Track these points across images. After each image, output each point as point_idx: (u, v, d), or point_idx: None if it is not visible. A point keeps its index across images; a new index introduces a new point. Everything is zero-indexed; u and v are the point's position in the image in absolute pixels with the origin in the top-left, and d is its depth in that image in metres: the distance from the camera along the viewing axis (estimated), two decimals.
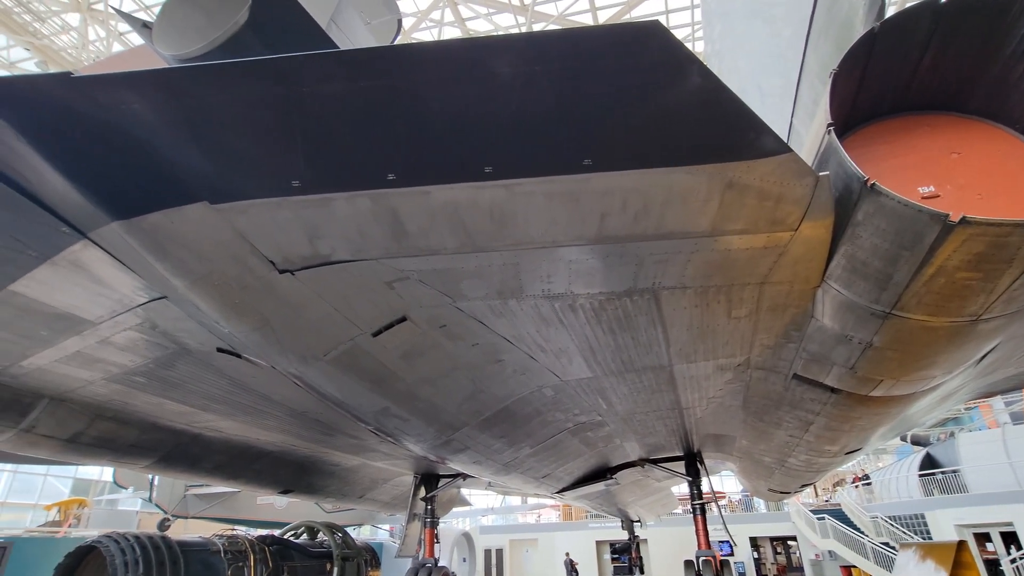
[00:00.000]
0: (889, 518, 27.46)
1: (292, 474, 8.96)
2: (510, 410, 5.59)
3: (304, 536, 11.51)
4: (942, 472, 28.50)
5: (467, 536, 29.24)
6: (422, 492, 10.62)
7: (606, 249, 3.22)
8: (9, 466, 29.96)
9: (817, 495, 41.31)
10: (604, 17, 22.82)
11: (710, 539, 9.69)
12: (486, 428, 5.72)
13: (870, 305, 3.47)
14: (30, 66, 25.19)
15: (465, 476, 10.29)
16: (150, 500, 19.50)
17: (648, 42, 2.09)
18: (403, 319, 3.85)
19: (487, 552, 35.89)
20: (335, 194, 2.76)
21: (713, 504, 9.53)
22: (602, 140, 2.54)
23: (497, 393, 5.19)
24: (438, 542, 10.55)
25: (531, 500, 47.34)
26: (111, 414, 5.79)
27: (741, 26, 5.47)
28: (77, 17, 25.01)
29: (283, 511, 20.60)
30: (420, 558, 10.01)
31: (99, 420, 5.76)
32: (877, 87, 3.46)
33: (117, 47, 25.41)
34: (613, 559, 34.86)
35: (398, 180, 2.69)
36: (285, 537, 10.49)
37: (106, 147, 2.49)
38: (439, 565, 10.05)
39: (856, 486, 34.63)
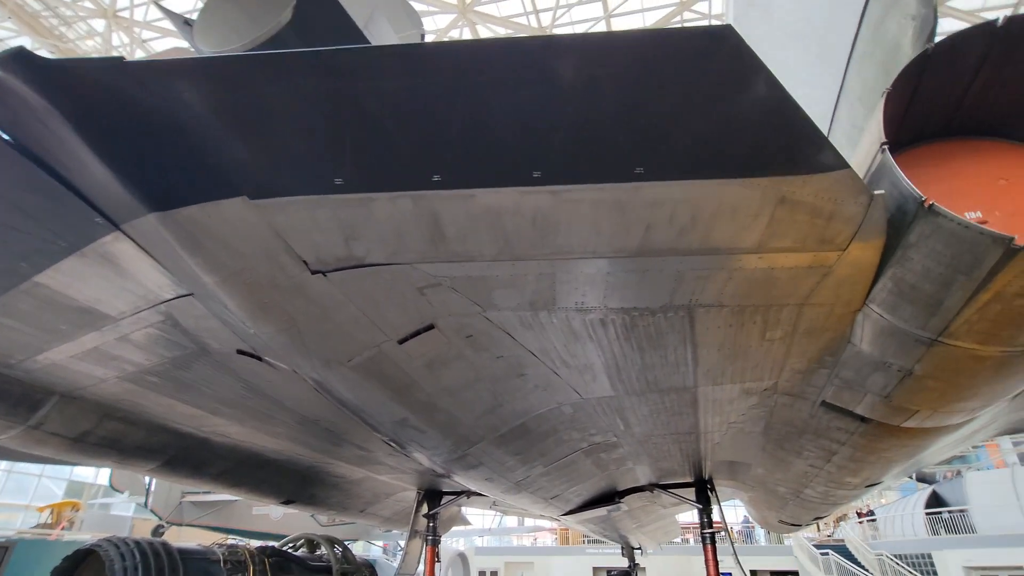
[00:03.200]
0: (894, 556, 26.86)
1: (295, 484, 8.79)
2: (527, 427, 5.46)
3: (303, 549, 11.28)
4: (949, 511, 28.01)
5: (463, 557, 28.72)
6: (424, 508, 10.40)
7: (646, 263, 3.14)
8: (3, 465, 29.71)
9: (819, 530, 40.50)
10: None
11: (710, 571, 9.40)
12: (502, 444, 5.58)
13: (915, 331, 3.37)
14: None
15: (470, 494, 10.08)
16: (145, 506, 19.24)
17: (720, 47, 2.03)
18: (431, 327, 3.76)
19: (481, 574, 35.22)
20: (377, 194, 2.70)
21: (724, 534, 9.28)
22: (658, 148, 2.48)
23: (516, 408, 5.07)
24: (439, 561, 10.30)
25: (528, 522, 46.64)
26: (120, 414, 5.68)
27: (775, 51, 5.46)
28: (102, 23, 25.50)
29: (279, 523, 20.28)
30: None
31: (108, 420, 5.65)
32: (925, 110, 3.41)
33: (139, 53, 25.85)
34: None
35: (443, 182, 2.62)
36: (284, 549, 10.26)
37: (150, 136, 2.44)
38: None
39: (860, 522, 33.97)
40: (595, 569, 34.37)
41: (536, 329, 3.89)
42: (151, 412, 5.73)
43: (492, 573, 35.67)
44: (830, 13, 4.92)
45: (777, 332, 3.94)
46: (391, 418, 4.74)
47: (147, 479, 18.35)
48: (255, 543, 11.30)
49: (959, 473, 30.82)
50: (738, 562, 9.01)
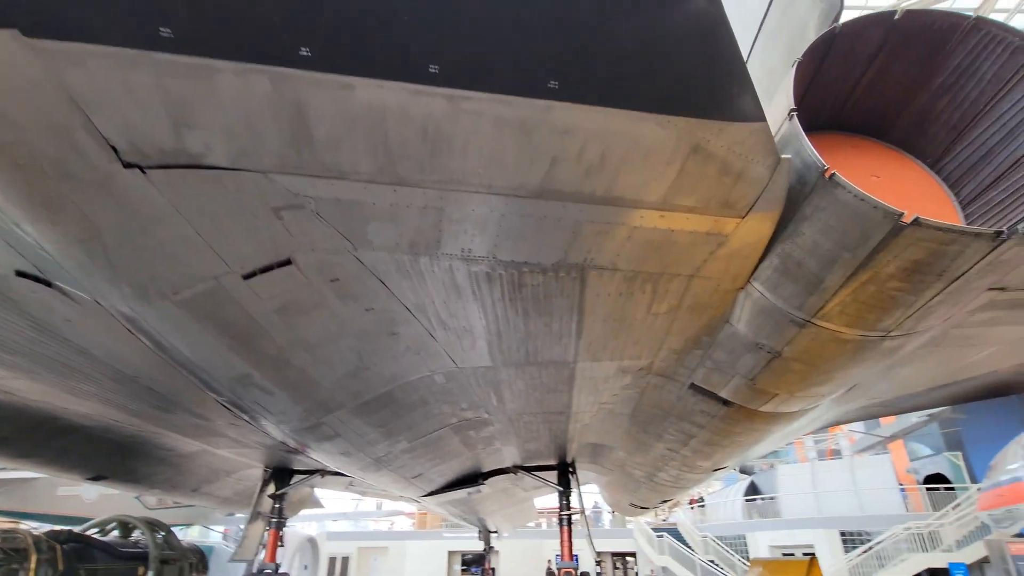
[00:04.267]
0: (717, 538, 30.08)
1: (108, 457, 7.41)
2: (394, 396, 4.95)
3: (116, 533, 9.66)
4: (762, 499, 32.07)
5: (312, 541, 27.15)
6: (271, 488, 9.40)
7: (546, 207, 2.82)
8: None
9: (657, 515, 44.46)
10: None
11: (556, 552, 9.61)
12: (364, 413, 5.02)
13: (792, 311, 3.43)
14: None
15: (324, 472, 9.30)
16: None
17: None
18: (287, 262, 3.12)
19: (332, 560, 33.70)
20: (222, 62, 2.06)
21: (580, 516, 9.49)
22: (578, 60, 2.14)
23: (384, 373, 4.55)
24: (282, 545, 9.38)
25: (386, 506, 45.57)
26: None
27: None
28: None
29: (94, 505, 17.47)
30: (260, 563, 8.78)
31: None
32: (818, 100, 3.46)
33: None
34: (463, 570, 34.47)
35: (314, 59, 2.06)
36: (87, 534, 8.67)
37: None
38: (280, 572, 8.90)
39: (692, 508, 37.68)
40: (450, 553, 34.42)
41: (415, 278, 3.42)
42: None
43: (343, 559, 34.26)
44: None
45: (663, 306, 3.86)
46: (230, 373, 3.98)
47: None
48: (49, 528, 9.44)
49: (772, 466, 35.35)
50: (591, 543, 9.26)
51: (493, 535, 21.79)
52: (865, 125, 3.71)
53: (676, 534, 32.55)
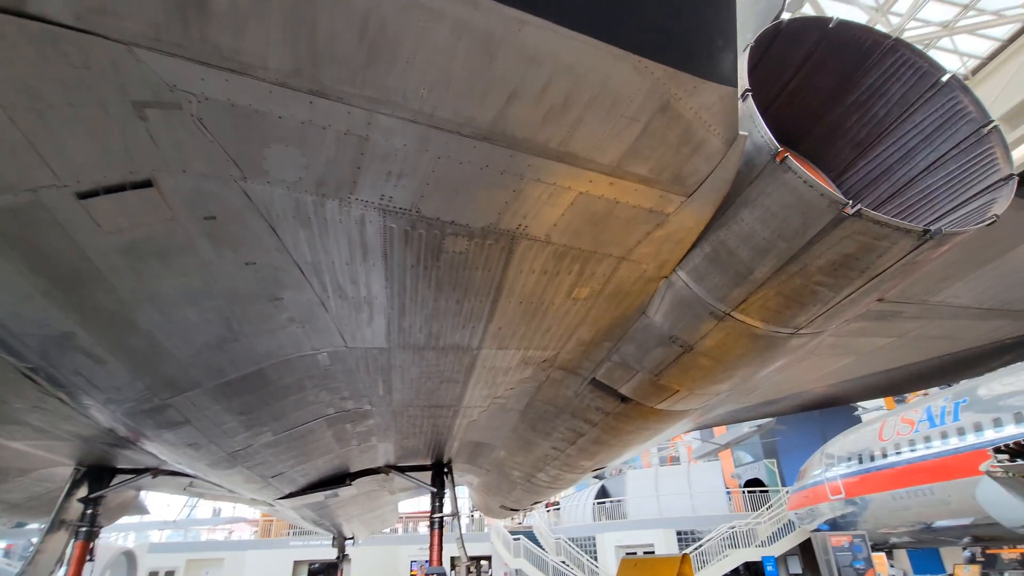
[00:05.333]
0: (569, 539, 31.33)
1: None
2: (265, 376, 4.20)
3: None
4: (611, 501, 34.21)
5: (129, 555, 23.51)
6: (82, 490, 7.74)
7: (492, 153, 2.44)
8: None
9: (513, 518, 45.40)
10: None
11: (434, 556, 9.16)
12: (224, 396, 4.18)
13: (713, 303, 3.39)
14: None
15: (159, 471, 7.87)
16: None
17: None
18: (146, 184, 2.39)
19: (153, 575, 29.53)
20: None
21: (450, 519, 9.08)
22: None
23: (257, 348, 3.81)
24: (91, 559, 7.76)
25: (225, 513, 41.08)
26: None
27: None
28: None
29: None
30: None
31: None
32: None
33: None
34: None
35: None
36: None
37: None
38: None
39: (548, 511, 38.98)
40: (296, 563, 31.87)
41: (316, 228, 2.84)
42: None
43: (168, 573, 30.08)
44: None
45: (584, 291, 3.65)
46: (43, 330, 3.01)
47: None
48: None
49: (621, 471, 37.84)
50: (462, 546, 8.90)
51: (348, 542, 20.47)
52: (781, 134, 3.85)
53: (531, 536, 33.37)
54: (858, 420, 27.39)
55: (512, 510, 11.36)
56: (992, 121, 2.99)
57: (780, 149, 2.57)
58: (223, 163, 2.36)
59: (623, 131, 2.38)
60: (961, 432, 14.81)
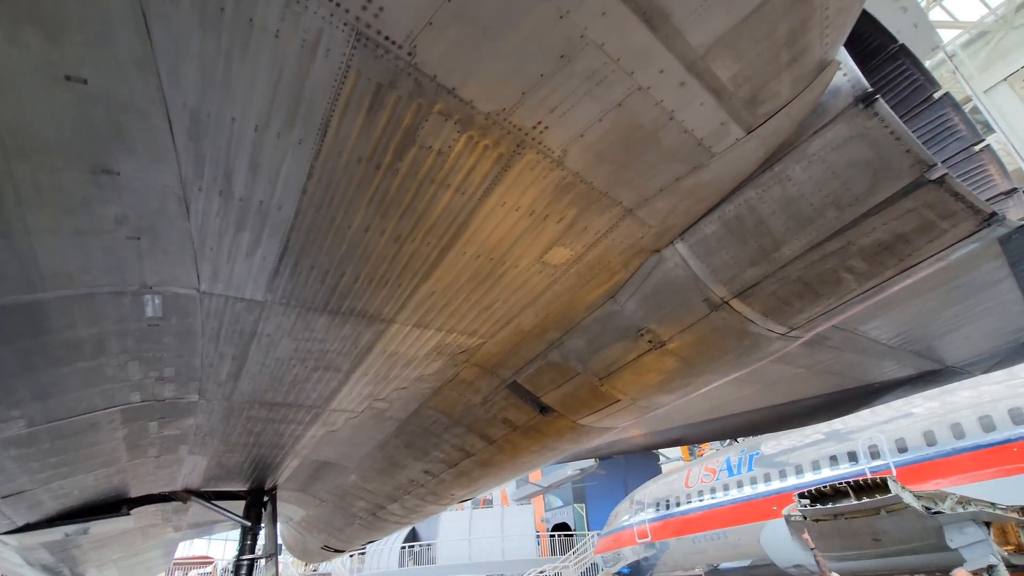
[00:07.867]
0: None
1: None
2: (42, 312, 2.60)
3: None
4: (419, 545, 32.57)
5: None
6: None
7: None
8: None
9: (307, 564, 40.62)
10: None
11: None
12: None
13: (712, 287, 2.86)
14: None
15: None
16: None
17: None
18: None
19: None
20: None
21: (265, 562, 7.21)
22: None
23: (43, 263, 2.30)
24: None
25: None
26: None
27: None
28: None
29: None
30: None
31: None
32: None
33: None
34: None
35: None
36: None
37: None
38: None
39: (352, 555, 35.71)
40: None
41: (224, 35, 1.67)
42: None
43: None
44: None
45: (564, 252, 2.87)
46: None
47: None
48: None
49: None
50: None
51: None
52: None
53: None
54: (659, 470, 29.95)
55: (337, 551, 9.59)
56: (983, 140, 2.99)
57: (871, 88, 2.15)
58: None
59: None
60: (754, 481, 16.70)
